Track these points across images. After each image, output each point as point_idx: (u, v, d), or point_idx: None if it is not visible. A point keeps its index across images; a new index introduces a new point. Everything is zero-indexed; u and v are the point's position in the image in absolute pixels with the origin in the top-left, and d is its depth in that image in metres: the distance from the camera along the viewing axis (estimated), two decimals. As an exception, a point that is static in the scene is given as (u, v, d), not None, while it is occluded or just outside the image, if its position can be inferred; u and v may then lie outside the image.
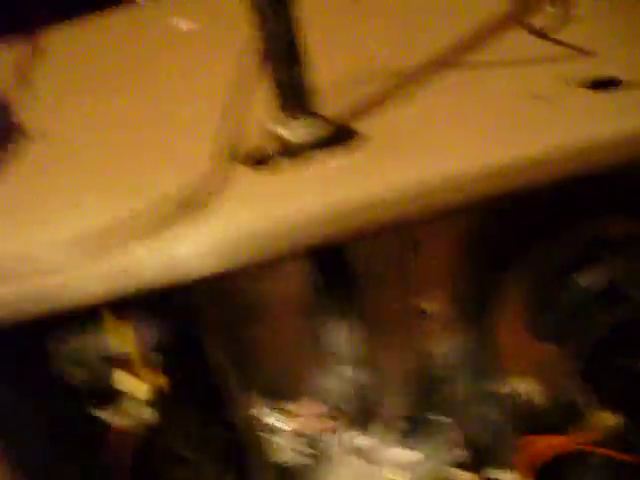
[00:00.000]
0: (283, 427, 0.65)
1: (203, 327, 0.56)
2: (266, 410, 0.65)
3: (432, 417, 0.67)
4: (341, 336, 0.55)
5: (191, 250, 0.38)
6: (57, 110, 0.62)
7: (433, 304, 0.65)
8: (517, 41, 0.52)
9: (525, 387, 0.65)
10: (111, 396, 0.49)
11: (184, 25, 0.74)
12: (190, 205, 0.39)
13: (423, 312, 0.65)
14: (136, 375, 0.49)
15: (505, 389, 0.67)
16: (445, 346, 0.67)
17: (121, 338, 0.48)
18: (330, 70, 0.50)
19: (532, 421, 0.66)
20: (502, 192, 0.39)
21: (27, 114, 0.61)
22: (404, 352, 0.66)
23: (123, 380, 0.49)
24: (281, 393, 0.65)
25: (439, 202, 0.39)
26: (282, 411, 0.65)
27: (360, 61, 0.55)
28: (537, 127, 0.41)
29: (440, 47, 0.53)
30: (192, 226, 0.39)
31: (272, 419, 0.65)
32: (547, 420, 0.66)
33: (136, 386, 0.48)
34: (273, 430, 0.65)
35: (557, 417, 0.65)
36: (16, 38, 0.83)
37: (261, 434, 0.66)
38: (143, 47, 0.73)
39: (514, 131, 0.41)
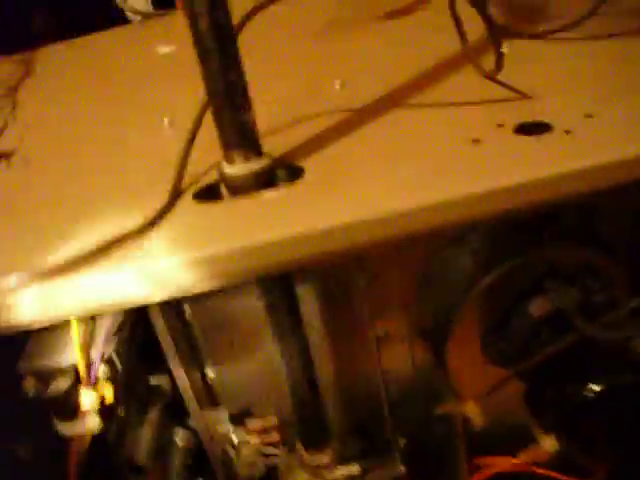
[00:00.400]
0: (242, 440, 0.67)
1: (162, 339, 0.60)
2: (227, 424, 0.67)
3: (383, 436, 0.70)
4: (295, 354, 0.57)
5: (130, 277, 0.41)
6: (39, 135, 0.65)
7: (388, 327, 0.68)
8: (466, 82, 0.55)
9: (474, 409, 0.67)
10: (66, 407, 0.52)
11: (163, 49, 0.78)
12: (134, 232, 0.42)
13: (379, 335, 0.68)
14: (86, 385, 0.51)
15: (455, 410, 0.69)
16: (399, 367, 0.70)
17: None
18: (273, 106, 0.53)
19: (481, 442, 0.68)
20: (427, 230, 0.42)
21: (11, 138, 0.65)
22: (358, 372, 0.69)
23: (75, 391, 0.51)
24: (241, 407, 0.68)
25: (365, 237, 0.42)
26: (241, 425, 0.67)
27: (304, 96, 0.58)
28: (465, 170, 0.44)
29: (387, 85, 0.56)
30: (132, 254, 0.42)
31: (232, 433, 0.67)
32: (495, 441, 0.68)
33: (86, 396, 0.51)
34: (233, 444, 0.68)
35: (504, 439, 0.68)
36: (7, 57, 0.87)
37: (222, 447, 0.69)
38: (125, 70, 0.77)
39: (442, 174, 0.44)
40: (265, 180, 0.45)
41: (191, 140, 0.48)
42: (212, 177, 0.48)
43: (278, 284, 0.51)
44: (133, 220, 0.44)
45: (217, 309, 0.62)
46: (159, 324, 0.59)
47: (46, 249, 0.44)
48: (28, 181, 0.56)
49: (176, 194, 0.46)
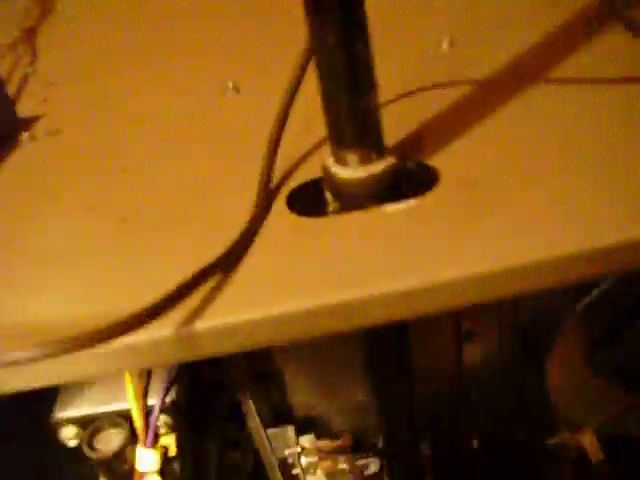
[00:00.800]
0: (312, 462, 0.58)
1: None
2: (293, 446, 0.57)
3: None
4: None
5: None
6: (66, 97, 0.53)
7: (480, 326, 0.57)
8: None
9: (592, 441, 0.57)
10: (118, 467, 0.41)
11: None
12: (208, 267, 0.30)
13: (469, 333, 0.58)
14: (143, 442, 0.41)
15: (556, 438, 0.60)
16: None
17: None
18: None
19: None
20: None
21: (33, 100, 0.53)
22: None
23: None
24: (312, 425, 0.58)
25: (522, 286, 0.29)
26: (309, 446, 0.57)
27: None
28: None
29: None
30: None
31: (300, 454, 0.57)
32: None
33: (145, 456, 0.41)
34: (300, 466, 0.58)
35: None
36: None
37: (286, 470, 0.59)
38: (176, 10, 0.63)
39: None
40: (387, 187, 0.33)
41: (280, 127, 0.35)
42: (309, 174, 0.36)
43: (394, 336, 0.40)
44: (205, 242, 0.33)
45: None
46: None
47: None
48: (59, 163, 0.44)
49: (263, 206, 0.34)
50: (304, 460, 0.57)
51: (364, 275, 0.29)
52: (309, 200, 0.35)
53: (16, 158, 0.45)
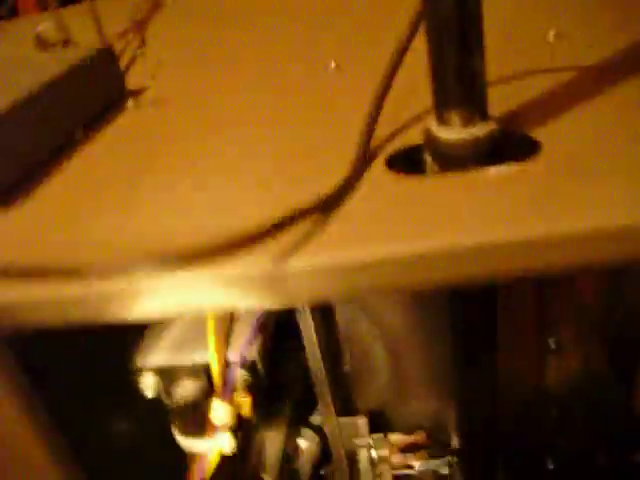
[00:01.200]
0: (382, 456, 0.57)
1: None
2: (365, 437, 0.57)
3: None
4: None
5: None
6: (174, 73, 0.55)
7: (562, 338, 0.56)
8: None
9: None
10: (193, 418, 0.42)
11: None
12: (318, 208, 0.31)
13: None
14: (221, 395, 0.41)
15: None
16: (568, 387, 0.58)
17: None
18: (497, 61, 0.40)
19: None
20: None
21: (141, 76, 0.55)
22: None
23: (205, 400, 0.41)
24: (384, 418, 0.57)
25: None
26: (381, 440, 0.57)
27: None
28: None
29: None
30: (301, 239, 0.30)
31: (371, 447, 0.57)
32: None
33: (220, 409, 0.41)
34: (370, 459, 0.57)
35: None
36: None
37: (354, 461, 0.58)
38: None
39: None
40: (488, 152, 0.33)
41: (387, 86, 0.36)
42: (407, 141, 0.36)
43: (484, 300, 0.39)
44: (301, 191, 0.33)
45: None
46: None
47: (183, 219, 0.33)
48: (160, 126, 0.46)
49: (363, 161, 0.34)
50: (374, 453, 0.56)
51: (477, 222, 0.29)
52: (408, 163, 0.35)
53: (122, 121, 0.47)
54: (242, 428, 0.43)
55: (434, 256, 0.28)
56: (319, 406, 0.55)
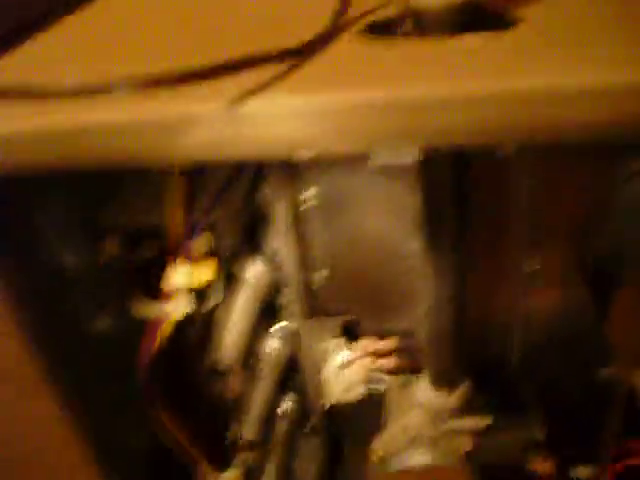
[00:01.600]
0: (349, 360, 0.57)
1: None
2: (334, 339, 0.57)
3: (516, 389, 0.59)
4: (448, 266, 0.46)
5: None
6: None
7: (544, 261, 0.56)
8: None
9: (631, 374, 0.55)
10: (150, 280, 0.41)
11: None
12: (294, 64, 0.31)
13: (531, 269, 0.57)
14: (181, 256, 0.41)
15: (608, 372, 0.58)
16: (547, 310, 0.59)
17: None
18: None
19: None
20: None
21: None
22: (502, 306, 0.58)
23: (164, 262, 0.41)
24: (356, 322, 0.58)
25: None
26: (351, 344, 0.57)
27: None
28: None
29: None
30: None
31: (339, 350, 0.57)
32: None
33: (180, 270, 0.40)
34: (338, 362, 0.58)
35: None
36: None
37: (322, 363, 0.59)
38: None
39: None
40: (467, 21, 0.34)
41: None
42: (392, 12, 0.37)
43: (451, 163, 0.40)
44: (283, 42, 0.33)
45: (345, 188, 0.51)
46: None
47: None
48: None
49: (339, 23, 0.35)
50: (342, 354, 0.57)
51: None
52: (385, 29, 0.35)
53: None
54: (203, 296, 0.43)
55: (404, 105, 0.28)
56: (290, 308, 0.56)
